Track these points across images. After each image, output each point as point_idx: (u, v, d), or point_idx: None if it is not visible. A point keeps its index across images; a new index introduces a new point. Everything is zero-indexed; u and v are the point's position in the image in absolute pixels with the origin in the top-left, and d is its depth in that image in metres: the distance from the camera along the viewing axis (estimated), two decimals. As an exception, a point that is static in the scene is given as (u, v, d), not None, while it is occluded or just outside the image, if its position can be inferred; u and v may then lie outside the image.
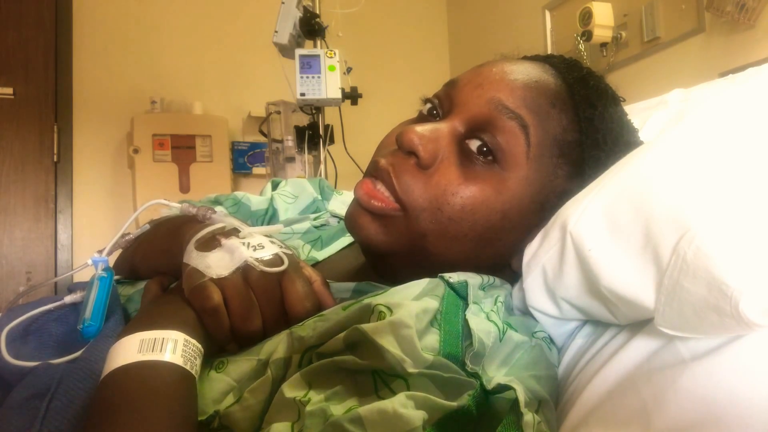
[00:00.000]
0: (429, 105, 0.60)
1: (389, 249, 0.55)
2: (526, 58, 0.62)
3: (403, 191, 0.53)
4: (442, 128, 0.55)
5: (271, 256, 0.48)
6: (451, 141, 0.55)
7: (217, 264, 0.46)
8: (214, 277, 0.46)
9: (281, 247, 0.50)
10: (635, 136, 0.61)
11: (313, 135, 2.14)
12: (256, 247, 0.48)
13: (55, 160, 2.63)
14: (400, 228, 0.54)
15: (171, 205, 0.58)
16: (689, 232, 0.40)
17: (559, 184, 0.56)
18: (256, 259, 0.47)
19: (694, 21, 1.91)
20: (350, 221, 0.57)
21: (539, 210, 0.55)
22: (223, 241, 0.48)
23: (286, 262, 0.48)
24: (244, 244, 0.48)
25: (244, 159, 2.87)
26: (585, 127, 0.56)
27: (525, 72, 0.57)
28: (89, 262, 0.55)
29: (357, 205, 0.56)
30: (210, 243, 0.48)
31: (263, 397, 0.42)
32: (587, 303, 0.50)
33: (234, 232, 0.50)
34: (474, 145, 0.54)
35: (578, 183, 0.55)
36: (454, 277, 0.49)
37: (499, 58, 0.61)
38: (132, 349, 0.41)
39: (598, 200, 0.49)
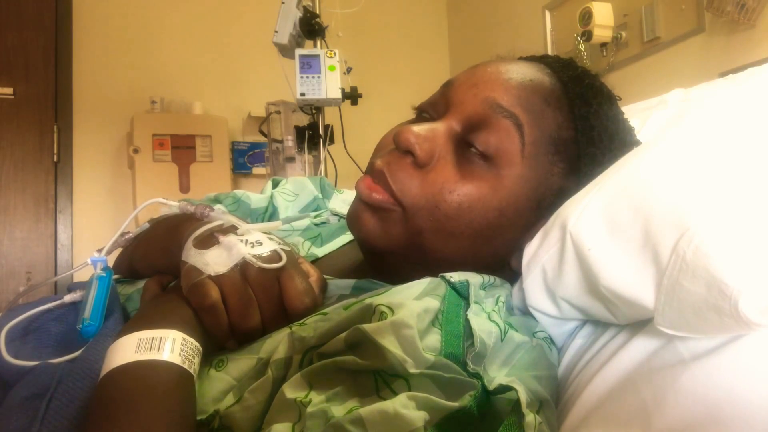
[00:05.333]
0: (423, 108, 0.60)
1: (388, 246, 0.55)
2: (521, 58, 0.63)
3: (399, 189, 0.54)
4: (438, 128, 0.56)
5: (269, 253, 0.48)
6: (448, 140, 0.55)
7: (215, 261, 0.46)
8: (212, 274, 0.46)
9: (279, 243, 0.50)
10: (631, 134, 0.61)
11: (313, 135, 2.14)
12: (254, 244, 0.48)
13: (55, 160, 2.63)
14: (399, 224, 0.54)
15: (170, 204, 0.58)
16: (688, 232, 0.40)
17: (555, 182, 0.56)
18: (254, 256, 0.47)
19: (694, 21, 1.91)
20: (352, 219, 0.57)
21: (536, 207, 0.56)
22: (221, 238, 0.48)
23: (285, 258, 0.48)
24: (242, 241, 0.48)
25: (244, 159, 2.87)
26: (580, 124, 0.56)
27: (520, 71, 0.57)
28: (88, 261, 0.55)
29: (359, 202, 0.57)
30: (208, 240, 0.48)
31: (264, 398, 0.42)
32: (587, 303, 0.50)
33: (232, 229, 0.50)
34: (470, 143, 0.54)
35: (575, 181, 0.56)
36: (455, 276, 0.49)
37: (495, 58, 0.61)
38: (130, 348, 0.41)
39: (597, 200, 0.49)
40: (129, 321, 0.47)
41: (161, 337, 0.42)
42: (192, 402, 0.42)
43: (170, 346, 0.42)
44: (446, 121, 0.56)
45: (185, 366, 0.42)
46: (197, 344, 0.44)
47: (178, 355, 0.42)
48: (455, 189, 0.53)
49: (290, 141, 2.19)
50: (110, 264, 0.57)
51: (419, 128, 0.55)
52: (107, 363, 0.42)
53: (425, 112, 0.60)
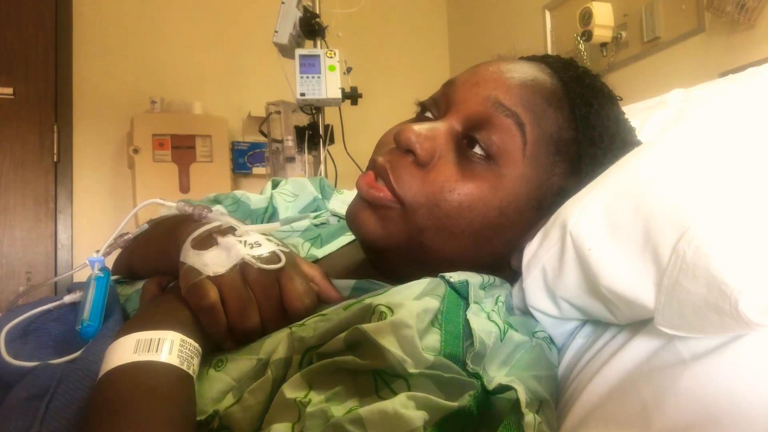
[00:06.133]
0: (426, 106, 0.60)
1: (388, 244, 0.55)
2: (522, 58, 0.63)
3: (401, 188, 0.54)
4: (439, 127, 0.56)
5: (268, 254, 0.48)
6: (449, 139, 0.55)
7: (213, 262, 0.46)
8: (211, 275, 0.45)
9: (278, 244, 0.50)
10: (632, 134, 0.61)
11: (313, 135, 2.14)
12: (253, 245, 0.48)
13: (55, 160, 2.63)
14: (398, 222, 0.54)
15: (167, 205, 0.58)
16: (689, 232, 0.40)
17: (556, 182, 0.56)
18: (253, 257, 0.47)
19: (694, 21, 1.91)
20: (351, 216, 0.57)
21: (536, 207, 0.56)
22: (220, 239, 0.48)
23: (284, 259, 0.48)
24: (240, 241, 0.48)
25: (244, 159, 2.87)
26: (581, 124, 0.56)
27: (521, 71, 0.57)
28: (87, 262, 0.55)
29: (359, 200, 0.57)
30: (206, 241, 0.48)
31: (263, 398, 0.42)
32: (587, 303, 0.50)
33: (230, 230, 0.50)
34: (471, 143, 0.54)
35: (575, 181, 0.56)
36: (455, 276, 0.49)
37: (496, 58, 0.61)
38: (128, 349, 0.41)
39: (597, 200, 0.49)
40: (127, 321, 0.47)
41: (160, 338, 0.42)
42: (191, 403, 0.42)
43: (168, 347, 0.42)
44: (447, 120, 0.56)
45: (183, 367, 0.42)
46: (196, 345, 0.44)
47: (176, 356, 0.42)
48: (456, 188, 0.53)
49: (290, 141, 2.19)
50: (109, 265, 0.57)
51: (420, 127, 0.55)
52: (105, 363, 0.41)
53: (427, 110, 0.60)
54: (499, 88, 0.55)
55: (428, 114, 0.60)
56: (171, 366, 0.41)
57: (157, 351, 0.41)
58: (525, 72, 0.57)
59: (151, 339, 0.42)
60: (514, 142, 0.54)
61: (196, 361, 0.44)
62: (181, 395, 0.41)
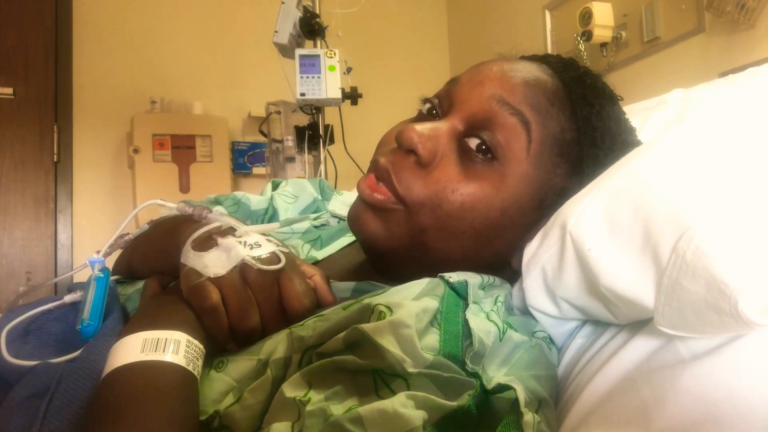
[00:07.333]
0: (428, 105, 0.60)
1: (390, 246, 0.55)
2: (522, 57, 0.63)
3: (403, 188, 0.54)
4: (441, 127, 0.55)
5: (268, 255, 0.48)
6: (451, 139, 0.55)
7: (214, 263, 0.46)
8: (212, 276, 0.46)
9: (278, 245, 0.50)
10: (633, 134, 0.61)
11: (313, 135, 2.14)
12: (252, 246, 0.48)
13: (55, 160, 2.63)
14: (400, 223, 0.54)
15: (167, 205, 0.58)
16: (688, 232, 0.40)
17: (558, 183, 0.56)
18: (253, 258, 0.47)
19: (694, 21, 1.91)
20: (353, 218, 0.57)
21: (538, 208, 0.56)
22: (220, 240, 0.48)
23: (283, 260, 0.48)
24: (240, 242, 0.48)
25: (244, 159, 2.87)
26: (582, 125, 0.56)
27: (524, 70, 0.57)
28: (87, 262, 0.55)
29: (360, 202, 0.56)
30: (207, 242, 0.48)
31: (263, 397, 0.42)
32: (587, 303, 0.50)
33: (230, 231, 0.50)
34: (473, 143, 0.54)
35: (577, 181, 0.56)
36: (454, 276, 0.49)
37: (497, 57, 0.61)
38: (135, 348, 0.41)
39: (597, 200, 0.49)
40: (131, 320, 0.47)
41: (167, 338, 0.42)
42: (195, 404, 0.42)
43: (175, 347, 0.42)
44: (449, 120, 0.56)
45: (189, 368, 0.42)
46: (201, 346, 0.44)
47: (183, 357, 0.42)
48: (458, 188, 0.53)
49: (290, 141, 2.19)
50: (110, 265, 0.57)
51: (422, 127, 0.54)
52: (111, 361, 0.42)
53: (431, 108, 0.60)
54: (503, 87, 0.55)
55: (432, 111, 0.59)
56: (178, 366, 0.41)
57: (164, 351, 0.42)
58: (528, 71, 0.57)
59: (158, 339, 0.42)
60: (519, 141, 0.54)
61: (200, 363, 0.44)
62: (187, 396, 0.41)
